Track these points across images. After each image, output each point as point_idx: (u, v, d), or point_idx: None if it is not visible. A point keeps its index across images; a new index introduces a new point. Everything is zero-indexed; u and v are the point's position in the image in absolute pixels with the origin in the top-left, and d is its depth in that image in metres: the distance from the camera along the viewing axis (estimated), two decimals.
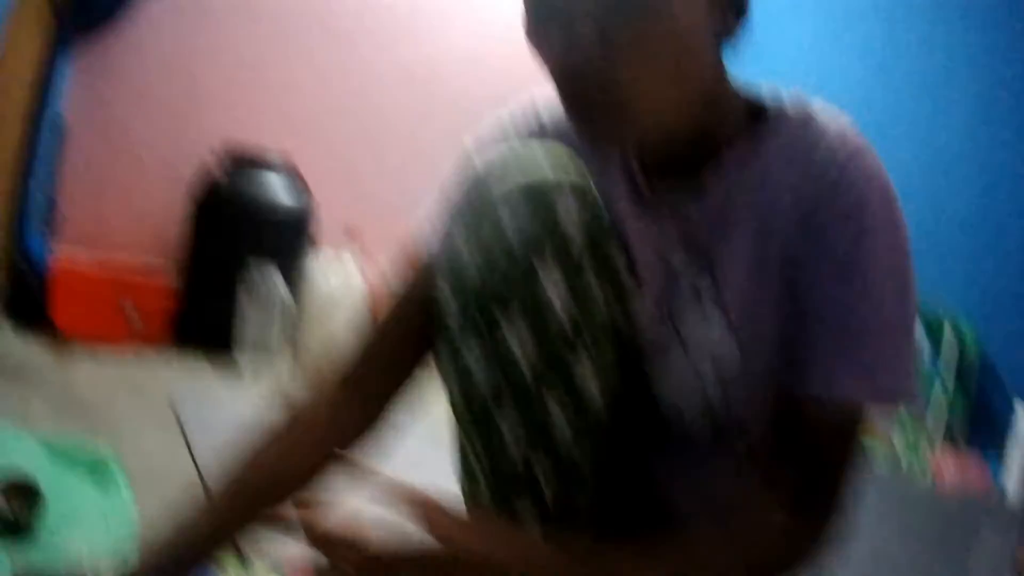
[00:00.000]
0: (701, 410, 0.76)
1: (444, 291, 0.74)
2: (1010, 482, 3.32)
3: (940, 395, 3.68)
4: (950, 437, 3.66)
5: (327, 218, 2.73)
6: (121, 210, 2.60)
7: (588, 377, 0.72)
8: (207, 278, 2.41)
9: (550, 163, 0.73)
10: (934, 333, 3.73)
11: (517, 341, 0.70)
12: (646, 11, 0.66)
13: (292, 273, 2.48)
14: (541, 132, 0.85)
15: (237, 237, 2.41)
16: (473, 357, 0.72)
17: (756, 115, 0.77)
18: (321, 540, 0.67)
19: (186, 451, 1.56)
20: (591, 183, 0.75)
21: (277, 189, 2.47)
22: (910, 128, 3.97)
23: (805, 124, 0.74)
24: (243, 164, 2.48)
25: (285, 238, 2.50)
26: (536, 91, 0.87)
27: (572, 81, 0.69)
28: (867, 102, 3.93)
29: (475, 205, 0.73)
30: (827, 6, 4.44)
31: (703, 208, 0.76)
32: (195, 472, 1.47)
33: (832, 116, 0.75)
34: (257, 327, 2.32)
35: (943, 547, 2.68)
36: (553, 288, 0.70)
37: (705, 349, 0.75)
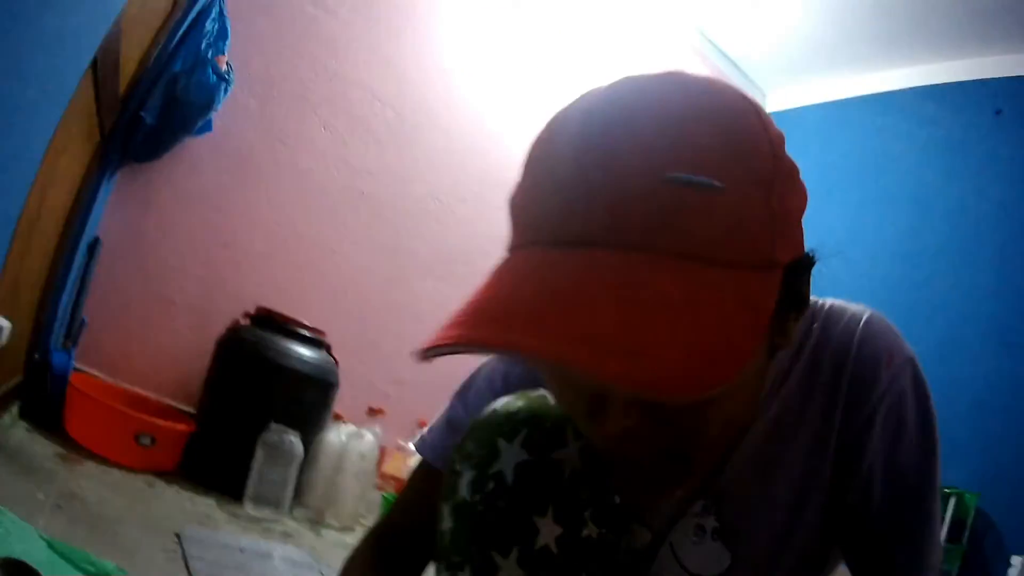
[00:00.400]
0: None
1: (444, 514, 0.75)
2: None
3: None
4: None
5: (348, 393, 2.73)
6: (145, 344, 2.61)
7: None
8: (224, 426, 2.39)
9: (557, 411, 0.74)
10: None
11: None
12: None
13: (310, 438, 2.48)
14: None
15: (260, 394, 2.40)
16: None
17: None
18: None
19: None
20: None
21: (305, 354, 2.50)
22: (926, 311, 4.15)
23: (825, 330, 0.74)
24: (274, 324, 2.51)
25: (307, 402, 2.50)
26: None
27: (623, 449, 0.63)
28: (887, 289, 4.26)
29: (483, 446, 0.74)
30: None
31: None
32: None
33: (834, 310, 0.75)
34: (269, 481, 2.28)
35: None
36: (552, 539, 0.70)
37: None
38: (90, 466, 1.96)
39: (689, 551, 0.77)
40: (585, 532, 0.72)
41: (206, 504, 2.11)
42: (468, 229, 3.34)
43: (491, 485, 0.72)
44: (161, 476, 2.14)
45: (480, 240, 3.29)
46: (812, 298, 0.70)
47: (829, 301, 0.75)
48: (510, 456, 0.72)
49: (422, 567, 0.90)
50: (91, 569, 1.26)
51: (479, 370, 0.92)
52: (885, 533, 0.71)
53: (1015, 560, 3.52)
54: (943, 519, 3.74)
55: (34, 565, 1.07)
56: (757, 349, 0.55)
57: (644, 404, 0.58)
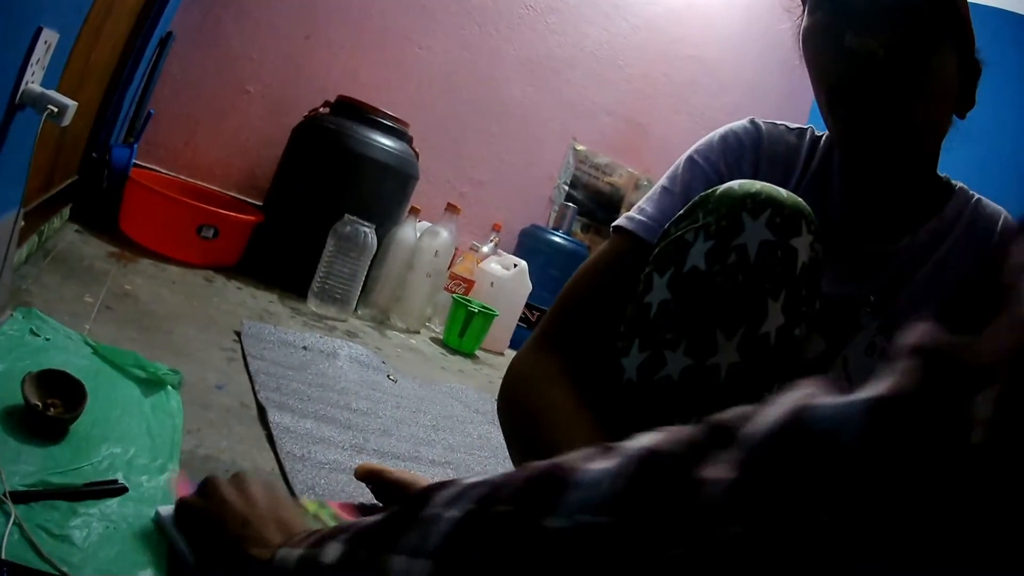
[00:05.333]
0: None
1: (656, 285, 0.74)
2: None
3: None
4: None
5: (426, 189, 2.74)
6: (215, 136, 2.56)
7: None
8: (294, 217, 2.34)
9: (794, 204, 0.73)
10: None
11: (724, 362, 0.69)
12: (931, 55, 0.74)
13: (384, 231, 2.41)
14: (767, 152, 0.92)
15: (336, 183, 2.33)
16: (676, 363, 0.70)
17: (942, 189, 0.88)
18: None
19: (243, 376, 1.47)
20: (820, 231, 0.75)
21: (386, 143, 2.38)
22: None
23: (980, 202, 0.87)
24: (355, 112, 2.39)
25: (385, 194, 2.42)
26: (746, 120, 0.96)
27: (863, 88, 0.73)
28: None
29: (724, 217, 0.72)
30: None
31: (894, 266, 0.82)
32: (250, 397, 1.37)
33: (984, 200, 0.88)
34: (337, 275, 2.24)
35: None
36: (774, 327, 0.70)
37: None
38: (145, 264, 1.93)
39: (860, 368, 0.78)
40: (797, 331, 0.72)
41: (268, 299, 2.10)
42: (559, 39, 3.21)
43: (732, 257, 0.70)
44: (221, 271, 2.14)
45: (571, 50, 3.20)
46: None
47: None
48: (755, 231, 0.70)
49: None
50: (141, 373, 1.21)
51: (688, 159, 0.92)
52: None
53: None
54: None
55: (76, 375, 1.02)
56: (951, 91, 0.78)
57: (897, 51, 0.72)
